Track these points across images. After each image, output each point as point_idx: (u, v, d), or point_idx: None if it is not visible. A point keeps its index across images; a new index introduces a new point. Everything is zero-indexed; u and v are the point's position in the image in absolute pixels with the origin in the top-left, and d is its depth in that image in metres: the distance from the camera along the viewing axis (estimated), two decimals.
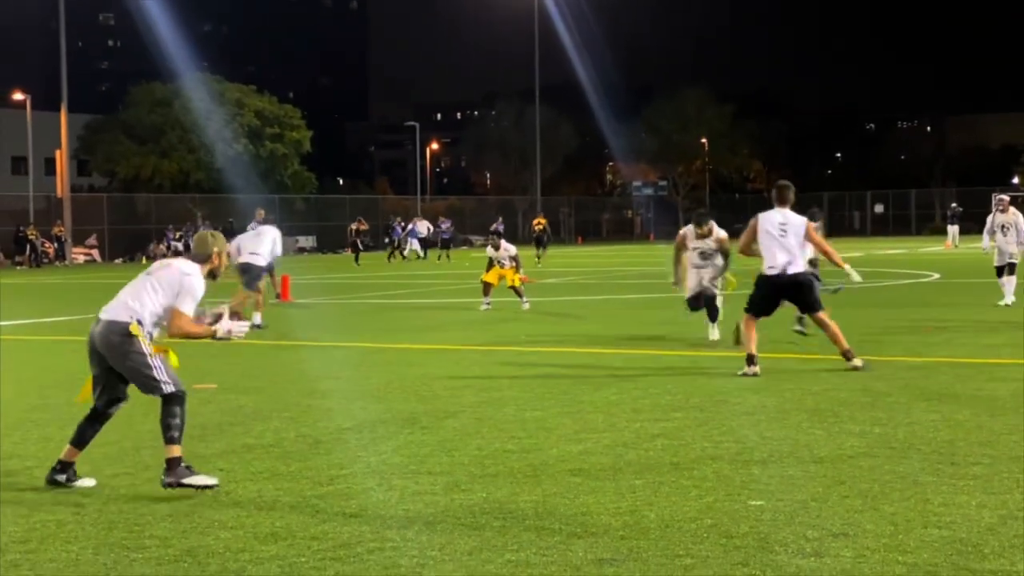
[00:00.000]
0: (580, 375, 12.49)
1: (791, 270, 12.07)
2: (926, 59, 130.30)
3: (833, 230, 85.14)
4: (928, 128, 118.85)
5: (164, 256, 59.07)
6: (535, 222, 51.93)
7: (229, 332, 7.58)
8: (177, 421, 7.25)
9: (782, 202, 12.27)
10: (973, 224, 59.47)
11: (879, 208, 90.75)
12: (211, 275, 7.70)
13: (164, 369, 7.32)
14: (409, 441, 8.95)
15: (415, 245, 55.78)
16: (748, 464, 7.81)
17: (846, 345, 12.20)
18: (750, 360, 11.92)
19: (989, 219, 20.37)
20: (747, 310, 12.37)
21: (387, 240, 56.86)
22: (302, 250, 68.12)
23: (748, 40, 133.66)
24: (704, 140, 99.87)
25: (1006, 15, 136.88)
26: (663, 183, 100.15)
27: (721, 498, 6.90)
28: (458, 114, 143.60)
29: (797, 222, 12.19)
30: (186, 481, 7.17)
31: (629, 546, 5.91)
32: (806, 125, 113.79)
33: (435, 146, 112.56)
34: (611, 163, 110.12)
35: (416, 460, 8.19)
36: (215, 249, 7.69)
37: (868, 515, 6.39)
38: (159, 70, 75.09)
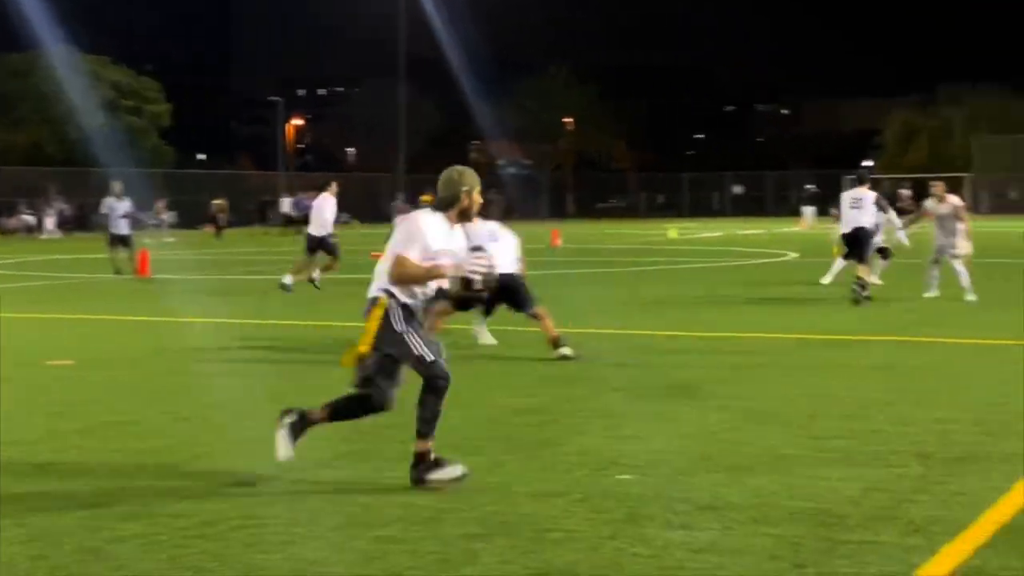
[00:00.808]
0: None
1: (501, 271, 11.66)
2: (785, 44, 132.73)
3: (694, 210, 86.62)
4: (786, 112, 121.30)
5: (19, 231, 57.54)
6: (423, 198, 51.71)
7: (459, 267, 6.68)
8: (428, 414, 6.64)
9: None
10: (828, 205, 61.02)
11: (738, 189, 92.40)
12: (464, 216, 6.83)
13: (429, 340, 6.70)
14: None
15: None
16: (617, 440, 7.83)
17: (555, 333, 11.82)
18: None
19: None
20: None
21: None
22: (159, 225, 66.75)
23: (614, 20, 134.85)
24: (569, 119, 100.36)
25: (860, 4, 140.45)
26: (528, 162, 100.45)
27: (590, 473, 6.90)
28: (323, 90, 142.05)
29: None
30: (433, 477, 6.58)
31: (499, 521, 5.87)
32: (669, 106, 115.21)
33: (298, 122, 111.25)
34: (476, 141, 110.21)
35: None
36: (464, 188, 6.77)
37: (734, 488, 6.45)
38: (13, 40, 72.73)
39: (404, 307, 6.63)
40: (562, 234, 43.07)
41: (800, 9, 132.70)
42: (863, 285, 17.10)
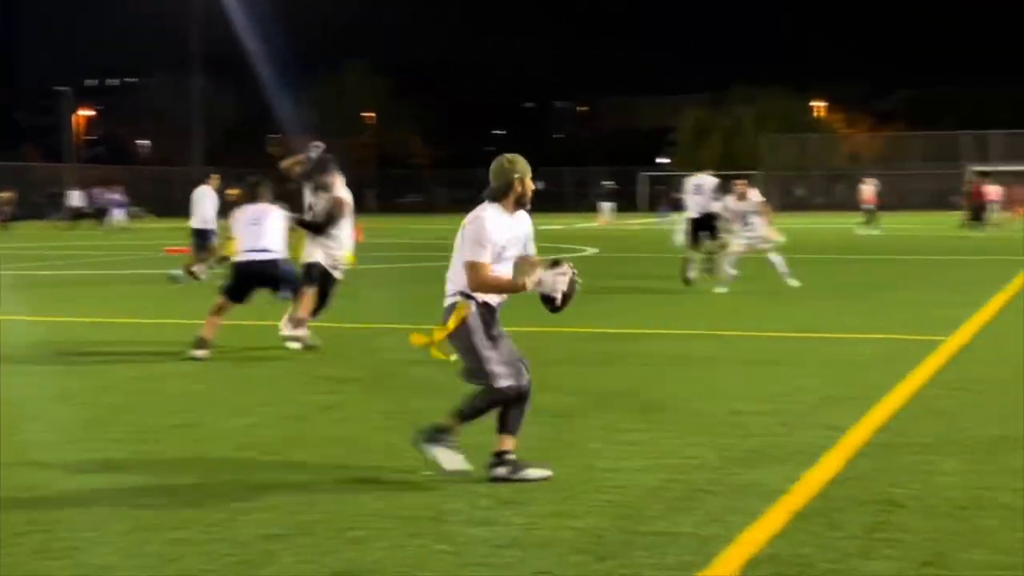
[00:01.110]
0: (246, 349, 12.14)
1: (260, 257, 11.51)
2: (584, 42, 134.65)
3: None
4: (584, 109, 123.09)
5: None
6: (229, 192, 50.62)
7: (540, 283, 6.57)
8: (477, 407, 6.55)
9: (254, 199, 11.84)
10: (624, 201, 62.22)
11: (537, 185, 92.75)
12: (519, 204, 6.71)
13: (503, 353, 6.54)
14: (61, 417, 8.44)
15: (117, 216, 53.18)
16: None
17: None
18: (199, 345, 11.31)
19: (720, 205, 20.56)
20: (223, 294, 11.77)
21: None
22: None
23: (413, 16, 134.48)
24: (367, 114, 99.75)
25: (655, 4, 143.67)
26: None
27: (392, 470, 6.81)
28: (115, 80, 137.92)
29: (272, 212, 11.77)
30: (518, 476, 6.47)
31: (298, 521, 5.73)
32: (466, 103, 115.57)
33: (89, 113, 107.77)
34: (273, 136, 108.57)
35: (69, 438, 7.72)
36: (516, 175, 6.67)
37: (537, 484, 6.44)
38: None
39: (486, 306, 6.58)
40: (364, 229, 42.70)
41: (598, 7, 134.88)
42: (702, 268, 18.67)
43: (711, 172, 20.10)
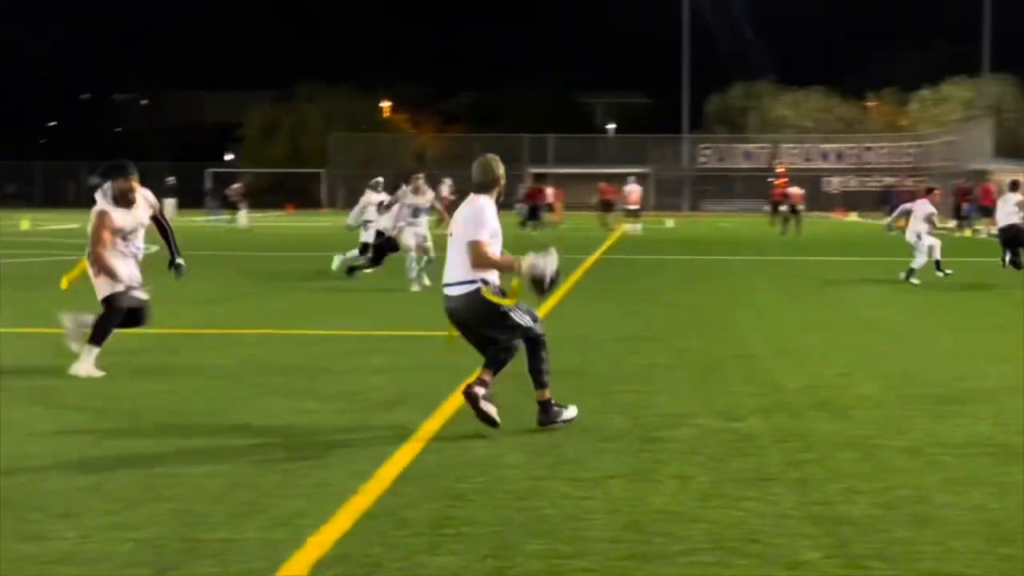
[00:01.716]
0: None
1: None
2: (145, 34, 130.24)
3: (48, 201, 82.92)
4: (146, 102, 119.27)
5: None
6: None
7: (534, 266, 7.52)
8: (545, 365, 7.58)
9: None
10: (190, 197, 60.75)
11: (96, 180, 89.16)
12: (498, 198, 7.68)
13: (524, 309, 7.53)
14: None
15: None
16: None
17: None
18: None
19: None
20: None
21: None
22: None
23: None
24: None
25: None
26: None
27: None
28: None
29: None
30: (560, 419, 7.65)
31: None
32: (19, 92, 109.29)
33: None
34: None
35: None
36: (500, 172, 7.74)
37: (92, 495, 6.10)
38: None
39: (499, 288, 7.55)
40: None
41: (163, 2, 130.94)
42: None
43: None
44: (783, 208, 41.99)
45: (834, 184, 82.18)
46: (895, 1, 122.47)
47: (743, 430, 7.82)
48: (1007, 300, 17.36)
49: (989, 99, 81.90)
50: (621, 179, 47.07)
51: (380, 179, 21.19)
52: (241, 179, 54.98)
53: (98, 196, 10.01)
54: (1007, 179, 23.37)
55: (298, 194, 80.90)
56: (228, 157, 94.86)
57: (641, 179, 50.44)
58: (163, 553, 5.15)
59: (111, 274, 9.85)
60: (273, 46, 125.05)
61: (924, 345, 12.24)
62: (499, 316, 7.45)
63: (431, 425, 7.92)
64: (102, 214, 9.85)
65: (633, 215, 42.67)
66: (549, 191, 44.96)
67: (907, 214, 21.09)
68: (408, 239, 18.68)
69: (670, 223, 55.06)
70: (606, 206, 44.71)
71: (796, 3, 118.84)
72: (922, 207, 20.64)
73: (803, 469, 6.76)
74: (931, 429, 7.87)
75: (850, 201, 75.67)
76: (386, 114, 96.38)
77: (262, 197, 78.22)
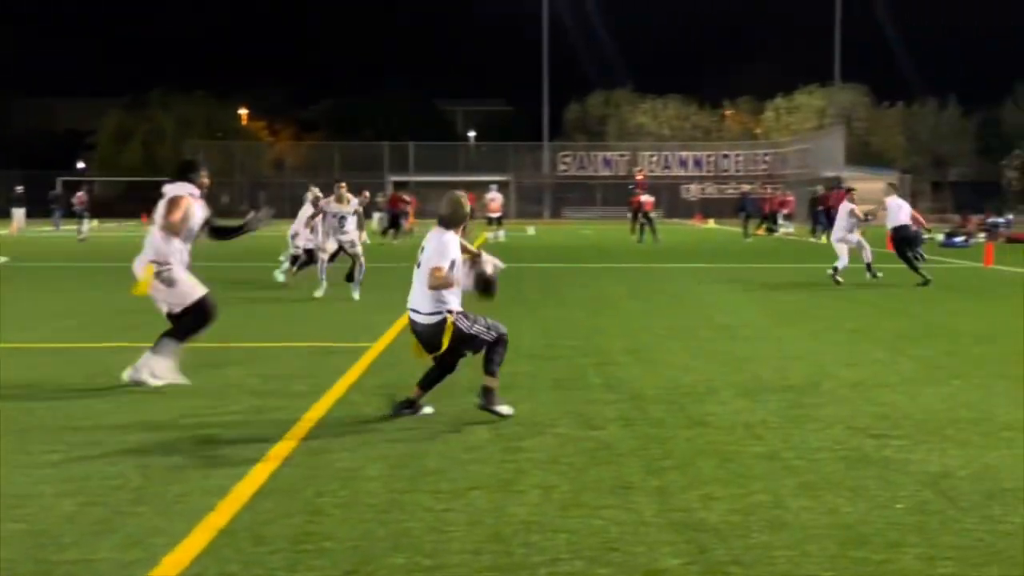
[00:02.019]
0: None
1: None
2: None
3: None
4: None
5: None
6: None
7: (496, 267, 9.04)
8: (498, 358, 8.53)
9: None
10: (37, 207, 59.08)
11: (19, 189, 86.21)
12: (463, 231, 8.70)
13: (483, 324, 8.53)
14: None
15: None
16: None
17: None
18: None
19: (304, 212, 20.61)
20: None
21: None
22: None
23: None
24: None
25: (70, 4, 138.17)
26: None
27: None
28: None
29: None
30: (495, 409, 8.42)
31: None
32: None
33: None
34: None
35: None
36: (467, 210, 8.64)
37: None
38: None
39: (461, 313, 8.48)
40: None
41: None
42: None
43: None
44: (640, 216, 42.62)
45: (692, 191, 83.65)
46: (749, 12, 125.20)
47: (603, 438, 7.88)
48: (865, 304, 17.81)
49: (841, 108, 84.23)
50: (482, 187, 47.20)
51: (315, 189, 21.62)
52: (84, 188, 53.52)
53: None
54: (881, 185, 23.98)
55: (153, 203, 79.14)
56: (80, 165, 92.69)
57: (502, 187, 50.67)
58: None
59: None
60: (126, 52, 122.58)
61: (780, 350, 12.48)
62: (466, 338, 8.42)
63: (290, 439, 7.81)
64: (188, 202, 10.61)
65: (495, 223, 42.81)
66: (409, 197, 44.88)
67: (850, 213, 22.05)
68: (330, 246, 19.00)
69: (531, 231, 55.38)
70: None
71: (653, 13, 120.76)
72: (844, 208, 22.04)
73: (662, 476, 6.83)
74: (786, 434, 8.03)
75: (708, 208, 77.03)
76: (243, 122, 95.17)
77: (115, 206, 76.67)
